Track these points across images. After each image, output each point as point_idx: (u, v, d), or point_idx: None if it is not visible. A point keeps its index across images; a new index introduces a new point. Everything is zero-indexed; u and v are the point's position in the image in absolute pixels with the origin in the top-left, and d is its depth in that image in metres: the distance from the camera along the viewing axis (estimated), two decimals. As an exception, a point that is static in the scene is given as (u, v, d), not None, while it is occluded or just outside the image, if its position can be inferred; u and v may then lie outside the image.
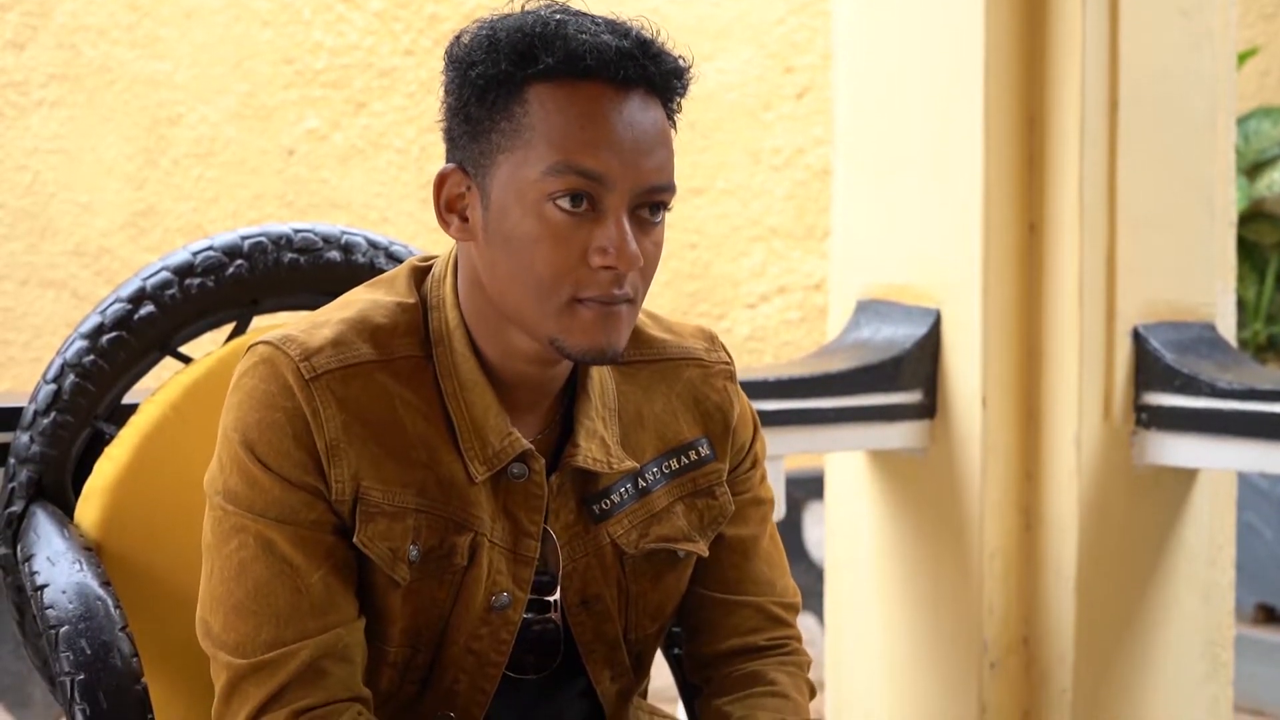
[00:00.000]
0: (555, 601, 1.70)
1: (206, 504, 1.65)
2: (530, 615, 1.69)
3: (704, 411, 1.77)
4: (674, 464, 1.74)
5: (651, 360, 1.76)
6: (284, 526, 1.59)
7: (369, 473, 1.61)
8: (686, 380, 1.77)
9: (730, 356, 1.81)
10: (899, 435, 2.88)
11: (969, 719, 2.85)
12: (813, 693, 1.80)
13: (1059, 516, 2.83)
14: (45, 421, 1.93)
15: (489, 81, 1.59)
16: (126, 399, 1.98)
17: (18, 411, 1.96)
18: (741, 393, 1.81)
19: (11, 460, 1.94)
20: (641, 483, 1.72)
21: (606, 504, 1.70)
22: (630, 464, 1.71)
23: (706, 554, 1.76)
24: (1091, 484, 2.81)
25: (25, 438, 1.94)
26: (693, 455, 1.75)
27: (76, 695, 1.72)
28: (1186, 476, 2.87)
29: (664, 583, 1.75)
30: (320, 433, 1.60)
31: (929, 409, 2.88)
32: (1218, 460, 2.80)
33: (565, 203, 1.57)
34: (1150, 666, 2.88)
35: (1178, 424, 2.79)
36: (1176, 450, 2.80)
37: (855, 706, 3.00)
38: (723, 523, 1.77)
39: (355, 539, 1.61)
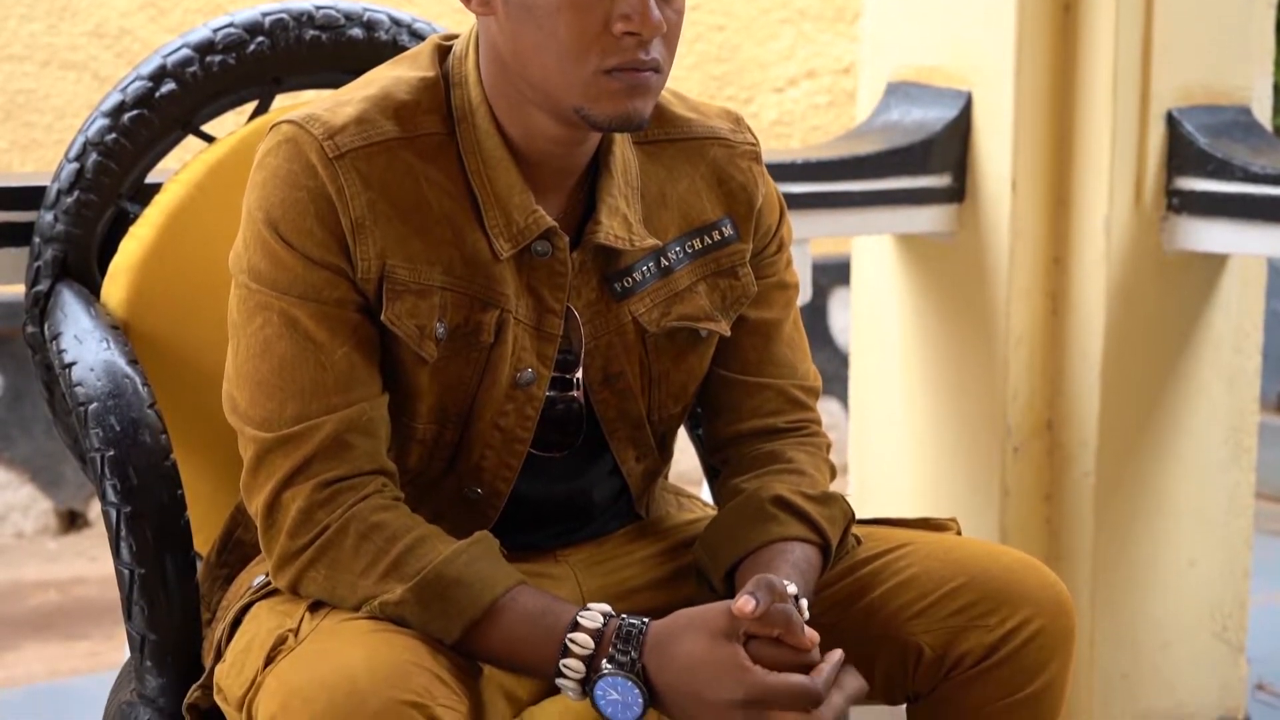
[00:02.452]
0: (578, 379, 1.70)
1: (232, 282, 1.65)
2: (554, 393, 1.70)
3: (728, 191, 1.75)
4: (697, 243, 1.74)
5: (676, 139, 1.74)
6: (307, 304, 1.60)
7: (395, 250, 1.61)
8: (711, 160, 1.75)
9: (756, 138, 1.79)
10: (927, 219, 2.86)
11: (991, 502, 2.87)
12: (833, 474, 1.81)
13: (1086, 301, 2.81)
14: (69, 200, 1.93)
15: None
16: (150, 179, 1.98)
17: (42, 190, 1.96)
18: (768, 175, 1.79)
19: (37, 239, 1.95)
20: (664, 261, 1.72)
21: (628, 281, 1.70)
22: (652, 241, 1.70)
23: (728, 334, 1.76)
24: (1120, 269, 2.79)
25: (50, 216, 1.93)
26: (716, 235, 1.74)
27: (106, 471, 1.75)
28: (1216, 262, 2.85)
29: (686, 362, 1.75)
30: (345, 211, 1.59)
31: (958, 193, 2.85)
32: (1248, 246, 2.78)
33: (586, -29, 1.55)
34: (1173, 452, 2.89)
35: (1209, 209, 2.76)
36: (1207, 235, 2.77)
37: (878, 490, 3.02)
38: (745, 303, 1.76)
39: (383, 316, 1.61)
